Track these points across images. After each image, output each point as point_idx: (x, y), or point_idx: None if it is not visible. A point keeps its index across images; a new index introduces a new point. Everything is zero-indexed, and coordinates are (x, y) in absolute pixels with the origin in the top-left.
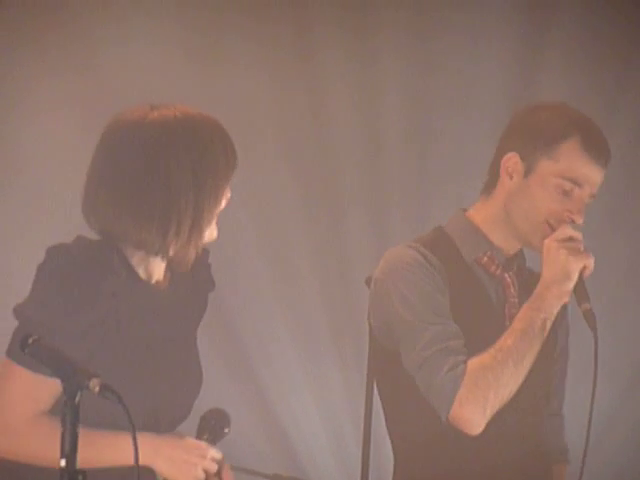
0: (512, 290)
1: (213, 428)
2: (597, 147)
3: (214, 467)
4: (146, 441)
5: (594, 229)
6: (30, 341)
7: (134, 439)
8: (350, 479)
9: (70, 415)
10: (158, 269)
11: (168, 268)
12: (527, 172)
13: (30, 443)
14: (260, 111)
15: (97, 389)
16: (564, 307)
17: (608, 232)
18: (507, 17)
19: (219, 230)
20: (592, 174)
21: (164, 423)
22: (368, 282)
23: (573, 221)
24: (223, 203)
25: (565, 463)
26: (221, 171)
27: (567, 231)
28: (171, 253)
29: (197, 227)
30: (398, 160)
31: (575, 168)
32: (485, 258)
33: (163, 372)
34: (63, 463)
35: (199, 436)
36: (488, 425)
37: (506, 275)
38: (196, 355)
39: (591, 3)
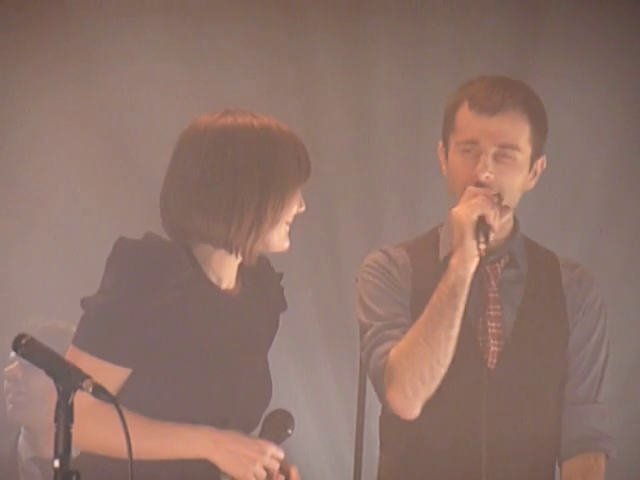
0: (491, 283)
1: (277, 428)
2: (483, 100)
3: (275, 465)
4: (206, 434)
5: (595, 227)
6: (23, 341)
7: (128, 440)
8: (343, 478)
9: (64, 416)
10: (229, 275)
11: (239, 279)
12: (446, 154)
13: (92, 428)
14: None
15: (91, 390)
16: (585, 288)
17: (608, 229)
18: (501, 20)
19: None
20: (483, 126)
21: (233, 429)
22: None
23: (477, 178)
24: (294, 210)
25: (592, 453)
26: (290, 176)
27: (469, 192)
28: (234, 249)
29: (258, 224)
30: (390, 162)
31: (467, 129)
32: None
33: (230, 378)
34: (57, 463)
35: (262, 435)
36: (474, 417)
37: (483, 269)
38: (267, 369)
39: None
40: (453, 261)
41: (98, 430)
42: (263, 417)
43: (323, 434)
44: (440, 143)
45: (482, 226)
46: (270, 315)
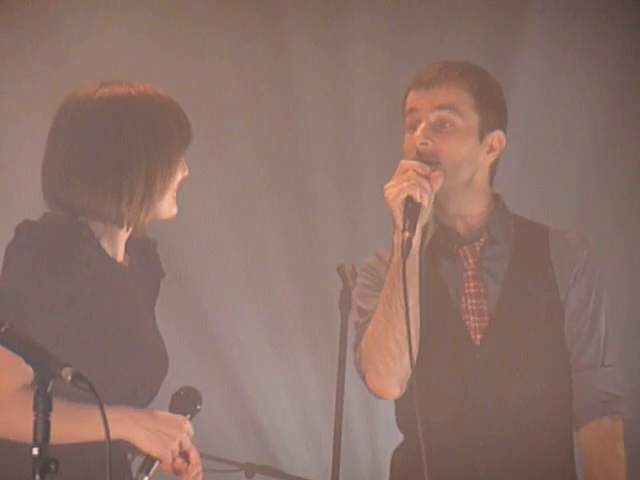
0: (469, 262)
1: (186, 405)
2: (419, 78)
3: (189, 441)
4: (126, 413)
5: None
6: (2, 329)
7: (106, 427)
8: (322, 467)
9: (42, 404)
10: (121, 248)
11: (126, 249)
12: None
13: (18, 417)
14: (232, 101)
15: (69, 378)
16: (574, 252)
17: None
18: (484, 9)
19: (193, 221)
20: (420, 96)
21: (141, 400)
22: (339, 271)
23: (417, 147)
24: (179, 176)
25: (607, 416)
26: (174, 143)
27: (401, 166)
28: (125, 224)
29: (149, 196)
30: (372, 151)
31: (405, 108)
32: (440, 237)
33: (138, 350)
34: (36, 451)
35: (172, 412)
36: (485, 395)
37: (461, 250)
38: (159, 336)
39: None
40: (395, 238)
41: (24, 418)
42: (171, 396)
43: (300, 418)
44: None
45: (410, 207)
46: (153, 283)
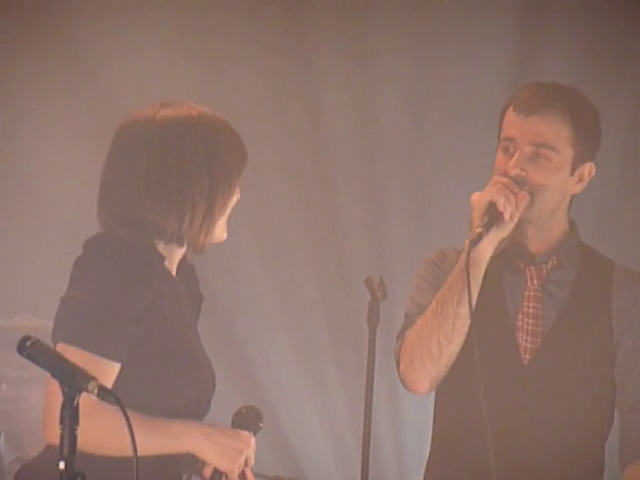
0: (533, 283)
1: (249, 422)
2: (524, 101)
3: (253, 457)
4: (195, 427)
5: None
6: (28, 344)
7: (133, 441)
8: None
9: (69, 417)
10: (174, 267)
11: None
12: None
13: (96, 424)
14: (258, 113)
15: (96, 391)
16: (635, 295)
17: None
18: (506, 17)
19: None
20: (520, 125)
21: (200, 415)
22: (367, 283)
23: (507, 173)
24: (234, 199)
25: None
26: (233, 165)
27: (494, 179)
28: (185, 243)
29: (210, 216)
30: (397, 161)
31: (507, 127)
32: (509, 251)
33: (198, 366)
34: (62, 465)
35: (236, 428)
36: (520, 415)
37: (527, 269)
38: (206, 353)
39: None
40: (466, 242)
41: (102, 426)
42: (233, 414)
43: (328, 432)
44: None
45: (491, 212)
46: (195, 304)
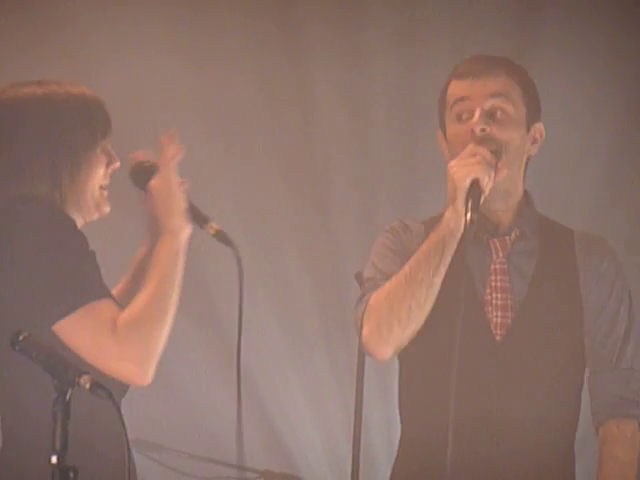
0: (499, 255)
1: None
2: (464, 70)
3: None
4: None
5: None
6: (21, 338)
7: (125, 435)
8: (341, 474)
9: (61, 412)
10: None
11: None
12: (444, 134)
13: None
14: (249, 109)
15: (88, 386)
16: (599, 257)
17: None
18: (498, 16)
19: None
20: (470, 85)
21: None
22: (357, 277)
23: (473, 132)
24: (101, 171)
25: (620, 419)
26: (80, 138)
27: (469, 149)
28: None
29: (59, 191)
30: (388, 157)
31: (455, 92)
32: (476, 225)
33: None
34: (54, 460)
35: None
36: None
37: (491, 241)
38: None
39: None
40: (447, 214)
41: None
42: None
43: (319, 426)
44: (438, 133)
45: (474, 191)
46: None
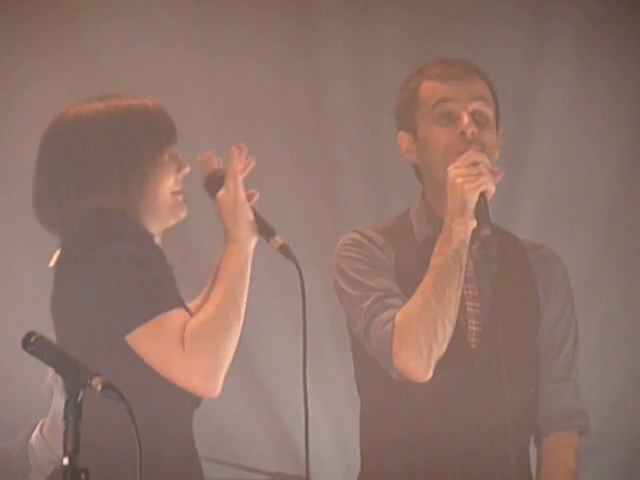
0: (468, 263)
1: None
2: (443, 72)
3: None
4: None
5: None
6: (33, 339)
7: (137, 437)
8: (352, 477)
9: (73, 413)
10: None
11: None
12: (413, 135)
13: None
14: (262, 104)
15: (99, 387)
16: (553, 268)
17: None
18: (511, 16)
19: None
20: (452, 86)
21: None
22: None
23: (465, 134)
24: (171, 177)
25: (566, 431)
26: (145, 148)
27: (470, 156)
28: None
29: (130, 202)
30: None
31: (433, 95)
32: (438, 232)
33: None
34: (66, 461)
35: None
36: (453, 393)
37: None
38: None
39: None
40: (454, 225)
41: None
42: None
43: (330, 428)
44: (400, 134)
45: (483, 203)
46: None
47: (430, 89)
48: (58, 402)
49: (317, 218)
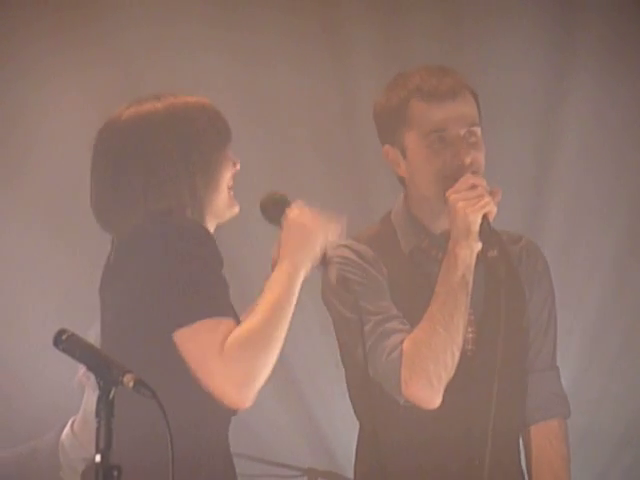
0: None
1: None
2: (434, 89)
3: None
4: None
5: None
6: (64, 337)
7: (169, 435)
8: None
9: (105, 410)
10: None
11: None
12: (402, 153)
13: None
14: (292, 106)
15: (131, 384)
16: (534, 258)
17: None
18: (539, 29)
19: (252, 219)
20: (447, 113)
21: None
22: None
23: (463, 163)
24: (228, 174)
25: (555, 418)
26: (210, 146)
27: (468, 180)
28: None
29: (198, 204)
30: None
31: (428, 121)
32: (425, 243)
33: None
34: (98, 458)
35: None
36: (452, 400)
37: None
38: None
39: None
40: (459, 250)
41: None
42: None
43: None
44: (386, 147)
45: (486, 225)
46: None
47: (423, 113)
48: (89, 399)
49: (351, 218)
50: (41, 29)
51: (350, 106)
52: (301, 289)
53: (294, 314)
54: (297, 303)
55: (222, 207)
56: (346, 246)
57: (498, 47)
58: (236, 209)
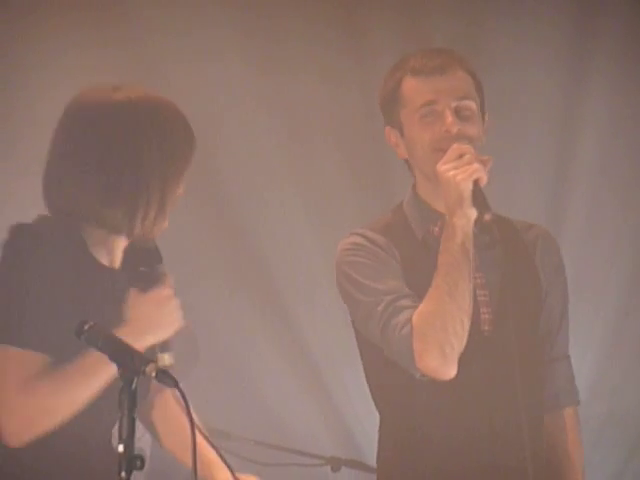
0: (472, 252)
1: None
2: (424, 66)
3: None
4: (128, 330)
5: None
6: (86, 327)
7: (191, 423)
8: None
9: (128, 401)
10: (119, 255)
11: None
12: (400, 132)
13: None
14: (316, 112)
15: (154, 374)
16: (549, 246)
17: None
18: (557, 34)
19: (277, 223)
20: (435, 86)
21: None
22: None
23: (449, 132)
24: (180, 189)
25: (569, 406)
26: (183, 155)
27: (455, 150)
28: (135, 236)
29: (162, 212)
30: None
31: (419, 94)
32: (437, 229)
33: None
34: (121, 448)
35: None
36: (470, 382)
37: None
38: None
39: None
40: (456, 220)
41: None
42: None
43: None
44: (387, 129)
45: (478, 191)
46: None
47: (413, 88)
48: None
49: (364, 208)
50: (45, 10)
51: (374, 111)
52: (322, 282)
53: (317, 308)
54: (319, 294)
55: (157, 230)
56: (357, 233)
57: (520, 54)
58: (165, 224)
